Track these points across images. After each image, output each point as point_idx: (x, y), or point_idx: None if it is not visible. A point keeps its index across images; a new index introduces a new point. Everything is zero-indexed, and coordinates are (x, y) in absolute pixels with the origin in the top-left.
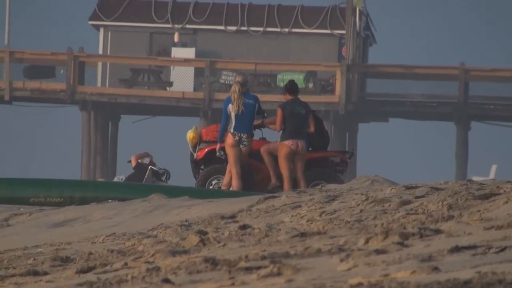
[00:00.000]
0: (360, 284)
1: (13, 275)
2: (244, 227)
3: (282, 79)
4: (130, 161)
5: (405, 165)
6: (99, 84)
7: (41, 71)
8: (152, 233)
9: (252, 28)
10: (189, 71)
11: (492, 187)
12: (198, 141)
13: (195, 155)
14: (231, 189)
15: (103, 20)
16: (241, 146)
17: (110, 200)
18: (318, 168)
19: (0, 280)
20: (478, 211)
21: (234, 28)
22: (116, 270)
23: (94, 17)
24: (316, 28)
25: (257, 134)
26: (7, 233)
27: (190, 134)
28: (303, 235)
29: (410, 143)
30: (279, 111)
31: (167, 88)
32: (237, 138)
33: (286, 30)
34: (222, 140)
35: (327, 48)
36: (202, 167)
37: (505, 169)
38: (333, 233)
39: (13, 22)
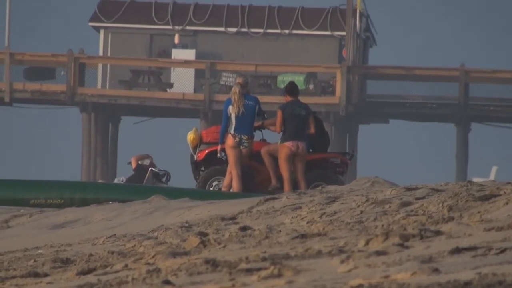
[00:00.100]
0: (361, 285)
1: (14, 277)
2: (244, 228)
3: (283, 80)
4: (130, 163)
5: (406, 167)
6: (99, 85)
7: (41, 73)
8: (152, 234)
9: (252, 30)
10: (190, 72)
11: (492, 189)
12: (199, 142)
13: (195, 156)
14: (231, 190)
15: (103, 22)
16: (241, 147)
17: (110, 202)
18: (319, 169)
19: (1, 281)
20: (479, 212)
21: (234, 29)
22: (117, 271)
23: (94, 18)
24: (317, 29)
25: (258, 136)
26: (7, 234)
27: (190, 136)
28: (303, 236)
29: (410, 145)
30: (279, 113)
31: (168, 89)
32: (237, 139)
33: (287, 31)
34: (222, 141)
35: (327, 49)
36: (203, 168)
37: (505, 171)
38: (334, 234)
39: (14, 23)
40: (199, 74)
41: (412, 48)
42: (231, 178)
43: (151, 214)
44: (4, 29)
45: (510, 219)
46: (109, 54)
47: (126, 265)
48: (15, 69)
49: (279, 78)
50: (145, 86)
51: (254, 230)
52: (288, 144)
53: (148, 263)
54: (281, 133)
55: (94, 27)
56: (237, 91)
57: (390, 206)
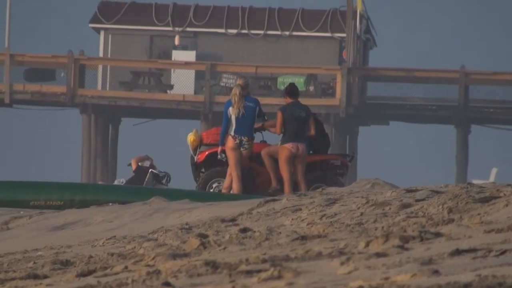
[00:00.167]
0: (361, 287)
1: (13, 279)
2: (244, 230)
3: (283, 82)
4: (130, 164)
5: (406, 168)
6: (99, 87)
7: (41, 74)
8: (152, 236)
9: (252, 31)
10: (190, 74)
11: (492, 190)
12: (199, 144)
13: (195, 158)
14: (231, 192)
15: (103, 23)
16: (241, 149)
17: (110, 203)
18: (319, 171)
19: (0, 283)
20: (478, 214)
21: (234, 31)
22: (117, 273)
23: (94, 20)
24: (317, 31)
25: (258, 137)
26: (7, 236)
27: (190, 137)
28: (303, 238)
29: (410, 146)
30: (279, 114)
31: (168, 91)
32: (237, 141)
33: (287, 33)
34: (223, 143)
35: (328, 51)
36: (203, 170)
37: (505, 172)
38: (334, 236)
39: (14, 24)
40: (199, 76)
41: (412, 50)
42: (231, 180)
43: (151, 216)
44: (4, 30)
45: (510, 221)
46: (109, 56)
47: (126, 267)
48: (15, 70)
49: (279, 79)
50: (145, 88)
51: (254, 231)
52: (288, 145)
53: (148, 265)
54: (281, 134)
55: (94, 28)
56: (238, 93)
57: (390, 208)
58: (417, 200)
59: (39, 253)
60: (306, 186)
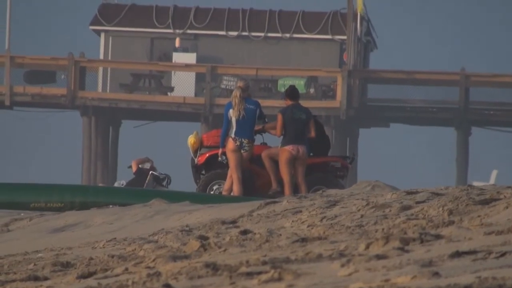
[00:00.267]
0: None
1: (14, 280)
2: (245, 232)
3: (283, 84)
4: (130, 166)
5: (406, 170)
6: (100, 89)
7: (41, 76)
8: (153, 238)
9: (253, 33)
10: (190, 76)
11: (493, 193)
12: (199, 146)
13: (196, 160)
14: (232, 194)
15: (104, 25)
16: (242, 151)
17: (110, 205)
18: (319, 173)
19: (1, 285)
20: (479, 216)
21: (235, 33)
22: (117, 275)
23: (95, 22)
24: (317, 33)
25: (258, 139)
26: (8, 238)
27: (191, 139)
28: (304, 240)
29: (410, 149)
30: (279, 117)
31: (168, 93)
32: (238, 143)
33: (287, 35)
34: (223, 145)
35: (328, 53)
36: (203, 172)
37: (506, 175)
38: (334, 238)
39: (14, 27)
40: (199, 78)
41: (412, 52)
42: (232, 182)
43: (151, 218)
44: (4, 32)
45: (510, 223)
46: (109, 58)
47: (126, 269)
48: (15, 72)
49: (280, 82)
50: (146, 90)
51: (255, 233)
52: (289, 148)
53: (149, 267)
54: (282, 137)
55: (94, 30)
56: (238, 95)
57: (390, 210)
58: (418, 202)
59: (40, 255)
60: (306, 188)
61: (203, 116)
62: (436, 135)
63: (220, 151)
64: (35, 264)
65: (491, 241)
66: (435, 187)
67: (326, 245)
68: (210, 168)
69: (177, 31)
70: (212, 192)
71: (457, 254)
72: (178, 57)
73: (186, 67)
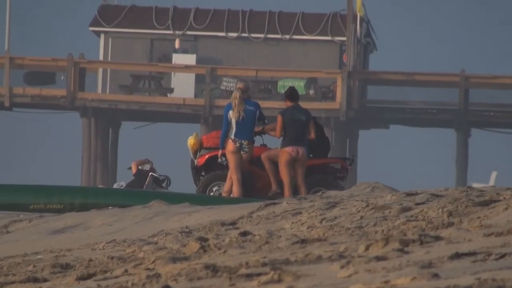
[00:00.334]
0: None
1: (13, 282)
2: (244, 233)
3: (283, 85)
4: (130, 168)
5: (406, 172)
6: (99, 90)
7: (41, 77)
8: (152, 239)
9: (253, 35)
10: (190, 77)
11: (492, 194)
12: (199, 147)
13: (195, 161)
14: (231, 195)
15: (103, 26)
16: (241, 152)
17: (110, 207)
18: (319, 174)
19: (0, 287)
20: (478, 217)
21: (235, 34)
22: (117, 277)
23: (94, 23)
24: (317, 34)
25: (258, 141)
26: (7, 240)
27: (190, 141)
28: (303, 241)
29: (410, 150)
30: (279, 118)
31: (168, 94)
32: (237, 144)
33: (287, 36)
34: (223, 146)
35: (328, 54)
36: (203, 173)
37: (505, 176)
38: (334, 239)
39: (14, 28)
40: (199, 79)
41: (412, 54)
42: (232, 183)
43: (151, 219)
44: (4, 33)
45: (509, 224)
46: (109, 59)
47: (126, 270)
48: (15, 73)
49: (280, 83)
50: (146, 91)
51: (254, 235)
52: (288, 149)
53: (148, 268)
54: (281, 138)
55: (94, 31)
56: (238, 96)
57: (390, 212)
58: (417, 204)
59: (39, 256)
60: (306, 190)
61: (202, 118)
62: (435, 136)
63: (219, 152)
64: (34, 266)
65: (490, 243)
66: (435, 188)
67: (325, 246)
68: (210, 170)
69: (177, 32)
70: (211, 194)
71: (457, 256)
72: (178, 58)
73: (186, 68)
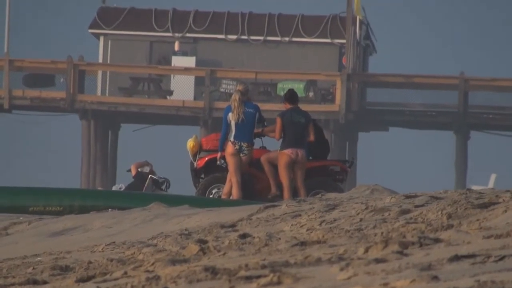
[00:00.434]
0: None
1: (13, 284)
2: (244, 236)
3: (283, 88)
4: (130, 170)
5: (405, 174)
6: (99, 92)
7: (40, 80)
8: (152, 242)
9: (252, 37)
10: (189, 80)
11: (491, 196)
12: (198, 150)
13: (195, 164)
14: (231, 198)
15: (103, 29)
16: (241, 155)
17: (110, 209)
18: (318, 177)
19: None
20: (478, 220)
21: (234, 37)
22: (116, 279)
23: (94, 25)
24: (317, 37)
25: (257, 143)
26: (6, 242)
27: (190, 143)
28: (303, 244)
29: (409, 152)
30: (278, 120)
31: (167, 97)
32: (237, 147)
33: (287, 39)
34: (222, 149)
35: (327, 57)
36: (202, 176)
37: (505, 178)
38: (333, 242)
39: (13, 30)
40: (199, 82)
41: (411, 56)
42: (231, 186)
43: (150, 222)
44: (3, 35)
45: (509, 226)
46: (108, 61)
47: (125, 273)
48: (14, 76)
49: (279, 85)
50: (145, 93)
51: (254, 237)
52: (288, 151)
53: (148, 271)
54: (281, 140)
55: (94, 34)
56: (237, 98)
57: (389, 214)
58: (416, 206)
59: (38, 258)
60: (305, 192)
61: (202, 120)
62: (435, 139)
63: (219, 154)
64: (34, 268)
65: (490, 245)
66: (434, 191)
67: (325, 248)
68: (209, 172)
69: (176, 34)
70: (211, 196)
71: (456, 258)
72: (177, 61)
73: (185, 70)
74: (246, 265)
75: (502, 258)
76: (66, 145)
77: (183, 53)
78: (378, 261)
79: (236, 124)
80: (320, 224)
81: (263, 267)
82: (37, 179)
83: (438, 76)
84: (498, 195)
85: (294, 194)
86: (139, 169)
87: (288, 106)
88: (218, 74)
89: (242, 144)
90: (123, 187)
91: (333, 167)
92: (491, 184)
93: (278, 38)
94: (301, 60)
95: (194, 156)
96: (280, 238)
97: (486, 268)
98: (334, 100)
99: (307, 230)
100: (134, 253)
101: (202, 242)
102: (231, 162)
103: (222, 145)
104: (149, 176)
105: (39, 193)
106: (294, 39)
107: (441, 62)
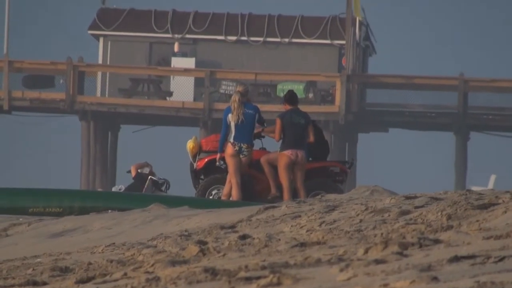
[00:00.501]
0: None
1: (12, 286)
2: (244, 237)
3: (282, 89)
4: (129, 171)
5: (405, 175)
6: (98, 94)
7: (40, 81)
8: (151, 243)
9: (252, 38)
10: (189, 81)
11: (491, 197)
12: (198, 151)
13: (195, 165)
14: (231, 199)
15: (102, 30)
16: (241, 156)
17: (109, 210)
18: (318, 178)
19: None
20: (477, 221)
21: (234, 38)
22: (116, 280)
23: (93, 26)
24: (316, 38)
25: (257, 144)
26: (6, 243)
27: (190, 144)
28: (302, 245)
29: (409, 153)
30: (278, 121)
31: (167, 98)
32: (237, 148)
33: (286, 40)
34: (222, 150)
35: (327, 58)
36: (202, 177)
37: (504, 179)
38: (333, 243)
39: (12, 31)
40: (198, 83)
41: (411, 57)
42: (231, 187)
43: (150, 223)
44: (3, 36)
45: (508, 227)
46: (108, 62)
47: (125, 274)
48: (14, 77)
49: (279, 86)
50: (145, 95)
51: (254, 238)
52: (288, 152)
53: (147, 272)
54: (281, 141)
55: (93, 35)
56: (237, 99)
57: (389, 215)
58: (416, 207)
59: (38, 260)
60: (305, 193)
61: (202, 121)
62: (434, 139)
63: (218, 156)
64: (33, 269)
65: (489, 246)
66: (434, 191)
67: (325, 249)
68: (209, 173)
69: (176, 35)
70: (211, 197)
71: (456, 259)
72: (177, 62)
73: (185, 71)
74: (246, 266)
75: (502, 259)
76: (66, 146)
77: (183, 54)
78: (378, 262)
79: (236, 125)
80: (320, 225)
81: (263, 268)
82: (36, 180)
83: (438, 77)
84: (497, 196)
85: (294, 195)
86: (138, 170)
87: (288, 107)
88: (217, 75)
89: (242, 145)
90: (123, 188)
91: (333, 168)
92: (490, 185)
93: (278, 39)
94: (301, 61)
95: (194, 157)
96: (280, 239)
97: (486, 269)
98: (334, 101)
99: (307, 231)
100: (134, 254)
101: (202, 243)
102: (231, 163)
103: (222, 146)
104: (149, 177)
105: (39, 194)
106: (294, 40)
107: (440, 63)
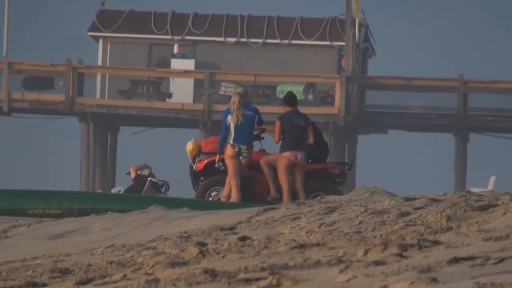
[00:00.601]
0: None
1: (12, 287)
2: (243, 238)
3: (282, 90)
4: (129, 173)
5: (404, 177)
6: (98, 95)
7: (40, 83)
8: (151, 244)
9: (251, 40)
10: (189, 82)
11: (491, 199)
12: (198, 152)
13: (194, 166)
14: (230, 200)
15: (102, 31)
16: (240, 157)
17: (109, 212)
18: (318, 179)
19: None
20: (477, 222)
21: (233, 39)
22: (115, 281)
23: (93, 28)
24: (316, 39)
25: (257, 146)
26: (6, 245)
27: (189, 146)
28: (302, 246)
29: (409, 155)
30: (277, 123)
31: (167, 99)
32: (236, 149)
33: (286, 41)
34: (221, 151)
35: (327, 59)
36: (202, 178)
37: (504, 181)
38: (332, 244)
39: (12, 33)
40: (198, 84)
41: (411, 59)
42: (230, 188)
43: (150, 224)
44: (2, 38)
45: (508, 229)
46: (108, 64)
47: (125, 275)
48: (13, 78)
49: (278, 88)
50: (144, 96)
51: (253, 240)
52: (287, 154)
53: (147, 273)
54: (280, 143)
55: (93, 36)
56: (237, 101)
57: (388, 216)
58: (416, 209)
59: (38, 261)
60: (305, 195)
61: (201, 123)
62: (434, 141)
63: (217, 157)
64: (33, 271)
65: (489, 247)
66: (434, 193)
67: (324, 251)
68: (209, 175)
69: (176, 37)
70: (210, 199)
71: (455, 260)
72: (177, 63)
73: (185, 73)
74: (246, 268)
75: (501, 260)
76: (65, 148)
77: (182, 55)
78: (377, 263)
79: (236, 127)
80: (320, 227)
81: (263, 269)
82: (36, 182)
83: (438, 78)
84: (497, 197)
85: (294, 196)
86: (138, 172)
87: (287, 108)
88: (217, 77)
89: (241, 146)
90: (122, 190)
91: (333, 170)
92: (490, 187)
93: (277, 41)
94: (300, 62)
95: (194, 158)
96: (279, 241)
97: (485, 270)
98: (334, 103)
99: (307, 232)
100: (133, 255)
101: (201, 244)
102: (230, 165)
103: (221, 147)
104: (149, 178)
105: (39, 196)
106: (293, 41)
107: (440, 64)
